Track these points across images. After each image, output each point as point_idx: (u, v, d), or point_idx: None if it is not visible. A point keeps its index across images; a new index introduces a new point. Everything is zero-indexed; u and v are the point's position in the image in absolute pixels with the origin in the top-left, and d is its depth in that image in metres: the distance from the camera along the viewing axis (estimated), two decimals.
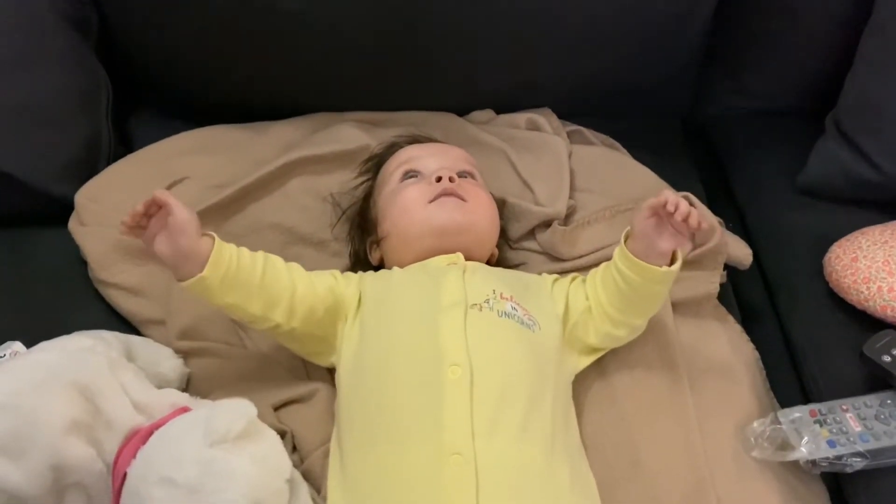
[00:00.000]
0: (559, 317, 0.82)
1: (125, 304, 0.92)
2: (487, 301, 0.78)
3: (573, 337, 0.82)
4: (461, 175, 0.90)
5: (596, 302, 0.81)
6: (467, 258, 0.86)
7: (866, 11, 1.02)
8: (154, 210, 0.75)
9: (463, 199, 0.87)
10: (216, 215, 1.00)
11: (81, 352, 0.75)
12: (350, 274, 0.86)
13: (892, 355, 0.83)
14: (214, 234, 0.77)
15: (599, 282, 0.82)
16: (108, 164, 1.07)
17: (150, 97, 1.19)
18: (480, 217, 0.89)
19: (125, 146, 1.13)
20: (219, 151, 1.08)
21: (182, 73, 1.13)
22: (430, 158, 0.91)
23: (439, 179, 0.87)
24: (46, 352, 0.75)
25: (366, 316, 0.81)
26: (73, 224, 0.98)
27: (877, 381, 0.84)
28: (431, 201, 0.87)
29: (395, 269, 0.87)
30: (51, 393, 0.69)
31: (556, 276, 0.88)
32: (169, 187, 1.02)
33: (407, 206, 0.87)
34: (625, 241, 0.78)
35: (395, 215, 0.88)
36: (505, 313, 0.78)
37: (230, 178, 1.04)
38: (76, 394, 0.70)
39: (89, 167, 1.05)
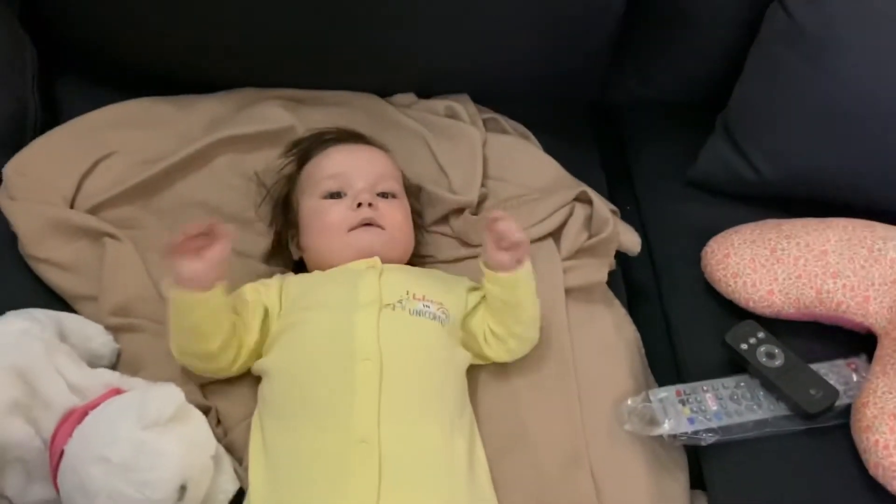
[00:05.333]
0: (465, 314, 0.91)
1: (56, 279, 0.96)
2: (401, 301, 0.86)
3: (471, 345, 0.91)
4: (382, 195, 0.96)
5: (483, 326, 0.91)
6: (385, 261, 0.93)
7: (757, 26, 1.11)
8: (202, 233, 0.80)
9: (381, 228, 0.94)
10: (144, 191, 1.05)
11: (18, 335, 0.81)
12: (268, 282, 0.93)
13: (748, 343, 0.95)
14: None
15: (485, 307, 0.91)
16: (36, 132, 1.09)
17: (75, 62, 1.19)
18: (397, 241, 0.96)
19: (51, 114, 1.14)
20: (146, 126, 1.11)
21: (108, 40, 1.15)
22: (355, 175, 0.96)
23: (360, 205, 0.93)
24: None
25: (288, 312, 0.88)
26: (1, 198, 1.00)
27: (735, 365, 0.96)
28: (351, 230, 0.93)
29: (317, 272, 0.94)
30: None
31: (472, 284, 0.95)
32: (97, 162, 1.06)
33: (326, 229, 0.94)
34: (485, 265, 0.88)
35: (315, 235, 0.94)
36: (416, 311, 0.86)
37: (157, 153, 1.08)
38: (15, 377, 0.77)
39: (16, 137, 1.07)
